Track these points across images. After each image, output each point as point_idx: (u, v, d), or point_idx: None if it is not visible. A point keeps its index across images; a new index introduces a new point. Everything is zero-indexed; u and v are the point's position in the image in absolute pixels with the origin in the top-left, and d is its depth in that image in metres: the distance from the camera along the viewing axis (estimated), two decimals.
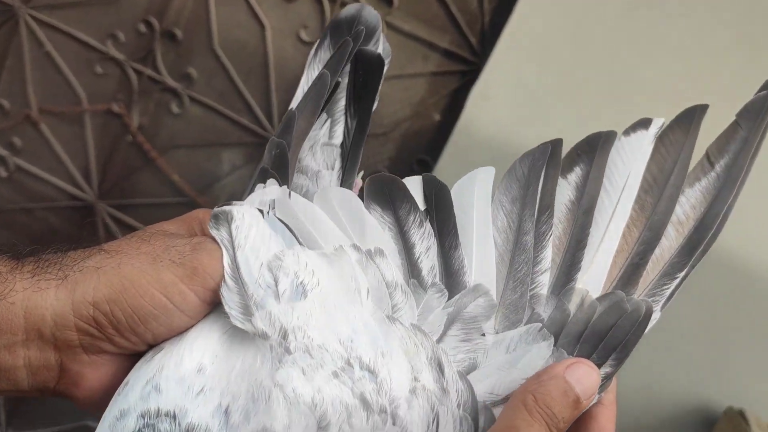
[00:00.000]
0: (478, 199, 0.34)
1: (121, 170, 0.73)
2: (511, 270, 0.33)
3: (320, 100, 0.38)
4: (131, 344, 0.31)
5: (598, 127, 0.39)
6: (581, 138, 0.37)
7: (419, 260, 0.33)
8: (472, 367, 0.32)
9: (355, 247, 0.32)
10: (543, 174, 0.35)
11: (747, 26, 0.63)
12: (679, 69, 0.64)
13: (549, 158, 0.35)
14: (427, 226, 0.33)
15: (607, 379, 0.32)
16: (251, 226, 0.32)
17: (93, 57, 0.69)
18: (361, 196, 0.35)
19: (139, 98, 0.71)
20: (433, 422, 0.29)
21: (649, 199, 0.35)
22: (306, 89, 0.39)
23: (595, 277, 0.34)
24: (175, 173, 0.73)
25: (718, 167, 0.35)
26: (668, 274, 0.34)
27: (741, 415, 0.67)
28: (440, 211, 0.34)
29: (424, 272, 0.32)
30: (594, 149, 0.36)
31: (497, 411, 0.31)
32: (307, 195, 0.36)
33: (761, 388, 0.69)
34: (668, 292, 0.33)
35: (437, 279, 0.33)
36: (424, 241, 0.33)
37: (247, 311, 0.30)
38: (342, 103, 0.40)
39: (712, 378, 0.70)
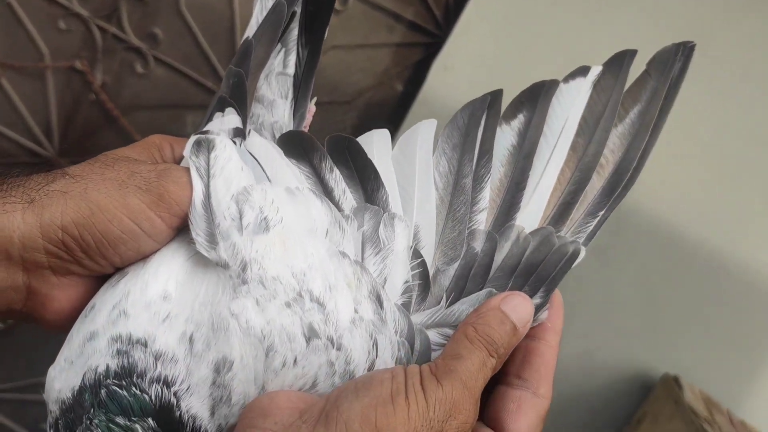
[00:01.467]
0: (420, 148, 0.37)
1: (83, 128, 0.73)
2: (450, 210, 0.36)
3: (277, 29, 0.38)
4: (99, 267, 0.32)
5: None
6: None
7: (340, 201, 0.35)
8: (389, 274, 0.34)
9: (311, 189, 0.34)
10: (483, 122, 0.37)
11: (699, 15, 0.66)
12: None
13: (488, 107, 0.37)
14: (336, 171, 0.35)
15: (537, 309, 0.34)
16: (229, 159, 0.33)
17: (56, 12, 0.69)
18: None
19: (102, 56, 0.70)
20: (372, 347, 0.32)
21: (580, 141, 0.37)
22: (260, 18, 0.39)
23: (531, 215, 0.36)
24: (138, 133, 0.73)
25: (632, 114, 0.37)
26: (591, 213, 0.36)
27: (676, 381, 0.71)
28: (356, 161, 0.35)
29: (347, 212, 0.35)
30: (536, 97, 0.38)
31: (431, 333, 0.34)
32: (262, 124, 0.38)
33: (695, 356, 0.73)
34: (590, 229, 0.36)
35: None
36: (339, 184, 0.35)
37: (212, 239, 0.32)
38: (295, 32, 0.41)
39: (650, 346, 0.74)
